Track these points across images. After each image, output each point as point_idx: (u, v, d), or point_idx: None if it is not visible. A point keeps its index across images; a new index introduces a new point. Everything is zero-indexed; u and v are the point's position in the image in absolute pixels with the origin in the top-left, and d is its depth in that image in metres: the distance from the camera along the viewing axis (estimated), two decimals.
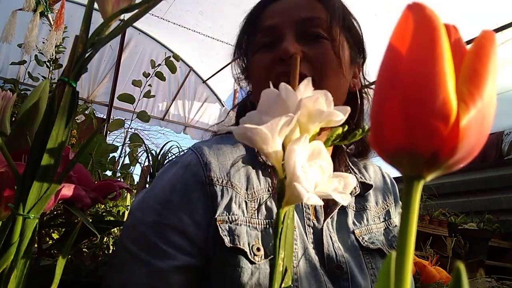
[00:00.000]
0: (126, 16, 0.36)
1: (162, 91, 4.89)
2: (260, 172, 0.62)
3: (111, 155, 1.72)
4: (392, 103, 0.18)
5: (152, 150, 1.76)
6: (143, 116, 2.40)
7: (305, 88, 0.29)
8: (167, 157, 1.74)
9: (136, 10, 0.35)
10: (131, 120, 2.66)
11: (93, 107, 3.34)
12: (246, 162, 0.62)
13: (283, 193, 0.27)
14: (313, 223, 0.63)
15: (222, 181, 0.58)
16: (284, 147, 0.28)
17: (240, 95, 0.84)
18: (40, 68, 2.72)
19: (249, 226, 0.57)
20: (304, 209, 0.63)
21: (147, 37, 4.59)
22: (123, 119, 2.52)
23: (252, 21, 0.71)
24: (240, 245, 0.54)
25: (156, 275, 0.54)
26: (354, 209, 0.69)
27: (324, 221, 0.64)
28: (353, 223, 0.67)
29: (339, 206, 0.66)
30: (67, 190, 0.46)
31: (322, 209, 0.65)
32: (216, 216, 0.56)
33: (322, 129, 0.31)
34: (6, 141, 0.46)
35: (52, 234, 0.92)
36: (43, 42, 2.44)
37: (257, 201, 0.59)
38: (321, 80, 0.62)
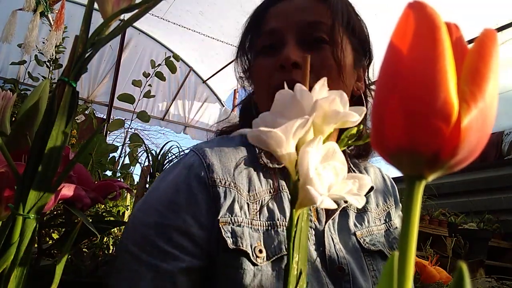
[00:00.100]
0: (126, 16, 0.36)
1: (162, 91, 4.89)
2: (261, 174, 0.62)
3: (111, 155, 1.72)
4: (393, 102, 0.18)
5: (152, 150, 1.76)
6: (143, 116, 2.40)
7: (321, 88, 0.28)
8: (167, 157, 1.74)
9: (136, 10, 0.35)
10: (131, 120, 2.66)
11: (93, 107, 3.34)
12: (247, 164, 0.62)
13: (296, 196, 0.27)
14: (315, 224, 0.63)
15: (225, 182, 0.58)
16: (297, 148, 0.27)
17: (240, 95, 0.84)
18: (40, 68, 2.72)
19: (251, 227, 0.56)
20: None
21: (147, 37, 4.59)
22: (123, 119, 2.52)
23: (255, 22, 0.70)
24: (242, 246, 0.54)
25: (161, 277, 0.53)
26: (355, 211, 0.69)
27: (326, 222, 0.64)
28: (354, 224, 0.67)
29: (341, 208, 0.66)
30: (67, 190, 0.46)
31: (324, 210, 0.65)
32: (218, 218, 0.55)
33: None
34: (6, 141, 0.46)
35: (52, 234, 0.92)
36: (43, 42, 2.44)
37: (259, 202, 0.59)
38: None
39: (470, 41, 0.16)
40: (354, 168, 0.73)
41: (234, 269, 0.54)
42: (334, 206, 0.25)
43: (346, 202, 0.67)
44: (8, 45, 2.74)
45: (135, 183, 1.61)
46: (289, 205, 0.61)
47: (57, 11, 2.48)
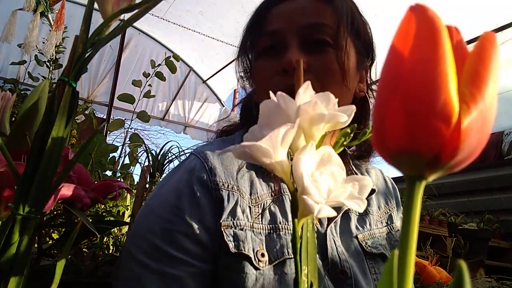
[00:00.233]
0: (126, 16, 0.36)
1: (162, 91, 4.89)
2: (262, 177, 0.62)
3: (111, 155, 1.73)
4: (394, 104, 0.18)
5: (152, 150, 1.77)
6: (143, 116, 2.40)
7: (304, 92, 0.27)
8: (167, 157, 1.74)
9: (136, 10, 0.35)
10: (131, 120, 2.66)
11: (93, 107, 3.34)
12: (249, 167, 0.62)
13: (296, 206, 0.26)
14: (316, 227, 0.62)
15: (228, 185, 0.57)
16: (292, 155, 0.26)
17: (240, 95, 0.83)
18: (40, 68, 2.72)
19: (253, 231, 0.56)
20: None
21: (147, 37, 4.59)
22: (123, 119, 2.52)
23: (256, 22, 0.69)
24: (245, 250, 0.54)
25: (171, 284, 0.52)
26: (357, 214, 0.68)
27: (328, 225, 0.63)
28: (356, 227, 0.66)
29: (343, 211, 0.66)
30: (67, 190, 0.46)
31: None
32: (221, 221, 0.55)
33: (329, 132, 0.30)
34: (6, 141, 0.46)
35: (52, 234, 0.92)
36: (43, 42, 2.44)
37: (260, 206, 0.59)
38: (322, 91, 0.61)
39: (471, 41, 0.16)
40: (355, 170, 0.72)
41: (236, 273, 0.53)
42: (334, 213, 0.24)
43: None
44: (8, 45, 2.74)
45: (135, 183, 1.61)
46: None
47: (57, 11, 2.48)
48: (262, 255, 0.54)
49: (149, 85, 2.40)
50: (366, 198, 0.26)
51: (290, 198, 0.61)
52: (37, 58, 2.57)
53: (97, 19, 0.35)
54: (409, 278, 0.18)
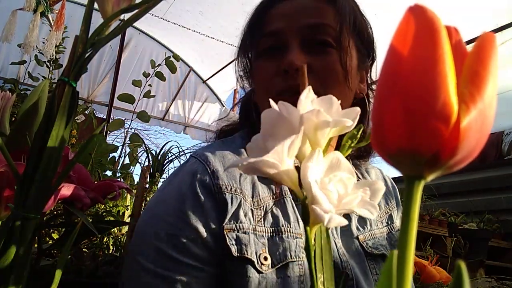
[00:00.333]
0: (126, 16, 0.36)
1: (162, 91, 4.89)
2: (264, 180, 0.61)
3: (111, 155, 1.73)
4: (393, 104, 0.18)
5: (152, 150, 1.77)
6: (143, 116, 2.40)
7: (306, 98, 0.27)
8: (167, 157, 1.74)
9: (136, 10, 0.35)
10: (131, 120, 2.67)
11: (93, 107, 3.34)
12: None
13: (308, 214, 0.26)
14: None
15: (231, 188, 0.57)
16: (300, 162, 0.26)
17: (240, 95, 0.82)
18: (40, 68, 2.72)
19: (255, 234, 0.55)
20: None
21: (147, 37, 4.59)
22: (123, 119, 2.52)
23: (257, 22, 0.68)
24: (247, 254, 0.53)
25: None
26: (357, 214, 0.68)
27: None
28: (357, 228, 0.66)
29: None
30: (67, 190, 0.46)
31: None
32: (223, 224, 0.54)
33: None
34: (6, 141, 0.46)
35: (52, 234, 0.92)
36: (43, 42, 2.44)
37: (262, 208, 0.58)
38: (325, 93, 0.60)
39: (470, 41, 0.17)
40: (356, 171, 0.72)
41: (239, 277, 0.53)
42: (345, 222, 0.23)
43: None
44: (8, 45, 2.75)
45: (135, 183, 1.61)
46: (293, 211, 0.60)
47: (57, 11, 2.48)
48: (265, 258, 0.54)
49: (149, 85, 2.40)
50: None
51: (292, 200, 0.61)
52: (37, 58, 2.56)
53: (97, 19, 0.35)
54: (408, 278, 0.18)
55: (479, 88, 0.17)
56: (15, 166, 0.34)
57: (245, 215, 0.56)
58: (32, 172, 0.32)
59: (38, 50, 2.53)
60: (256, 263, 0.53)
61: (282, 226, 0.57)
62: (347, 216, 0.66)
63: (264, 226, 0.57)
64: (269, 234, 0.56)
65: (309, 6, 0.63)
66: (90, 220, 0.53)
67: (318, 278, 0.26)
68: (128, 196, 1.25)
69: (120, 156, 1.96)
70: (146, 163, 1.75)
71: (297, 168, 0.26)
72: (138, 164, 1.87)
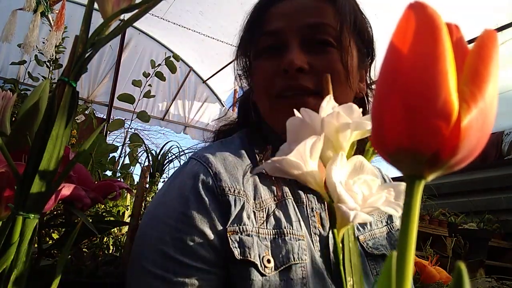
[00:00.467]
0: (126, 16, 0.36)
1: (162, 91, 4.89)
2: (264, 182, 0.61)
3: (111, 155, 1.73)
4: (393, 102, 0.18)
5: (152, 150, 1.76)
6: (143, 116, 2.40)
7: (327, 105, 0.28)
8: (167, 157, 1.74)
9: (136, 10, 0.35)
10: (131, 120, 2.66)
11: (93, 107, 3.34)
12: (251, 171, 0.61)
13: (334, 216, 0.26)
14: (319, 231, 0.61)
15: (234, 190, 0.56)
16: (324, 166, 0.27)
17: (240, 95, 0.82)
18: (40, 68, 2.72)
19: (258, 236, 0.55)
20: (309, 217, 0.62)
21: (147, 37, 4.59)
22: (123, 119, 2.52)
23: (256, 20, 0.67)
24: (250, 257, 0.52)
25: None
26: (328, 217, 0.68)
27: (330, 228, 0.62)
28: (357, 228, 0.66)
29: None
30: (67, 190, 0.46)
31: (327, 216, 0.64)
32: (226, 227, 0.54)
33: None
34: (6, 141, 0.46)
35: (52, 234, 0.92)
36: (43, 42, 2.44)
37: (265, 210, 0.58)
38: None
39: (470, 41, 0.16)
40: None
41: (242, 280, 0.52)
42: (370, 219, 0.25)
43: None
44: (8, 45, 2.75)
45: (135, 183, 1.61)
46: (294, 213, 0.60)
47: (57, 11, 2.48)
48: (268, 261, 0.53)
49: (149, 85, 2.40)
50: None
51: (293, 202, 0.61)
52: (37, 58, 2.56)
53: (97, 19, 0.35)
54: (408, 279, 0.18)
55: (480, 86, 0.17)
56: (15, 166, 0.34)
57: (248, 217, 0.55)
58: (32, 172, 0.32)
59: (38, 50, 2.53)
60: (259, 266, 0.53)
61: (285, 228, 0.57)
62: None
63: (267, 228, 0.56)
64: (272, 237, 0.56)
65: (309, 6, 0.63)
66: (90, 220, 0.53)
67: (347, 281, 0.27)
68: (128, 196, 1.25)
69: (120, 156, 1.96)
70: (146, 163, 1.75)
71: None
72: (138, 164, 1.87)
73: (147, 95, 2.39)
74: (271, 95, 0.62)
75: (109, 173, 1.67)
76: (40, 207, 0.33)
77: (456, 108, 0.17)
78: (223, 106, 5.41)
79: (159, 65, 2.42)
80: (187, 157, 0.66)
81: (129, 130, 2.54)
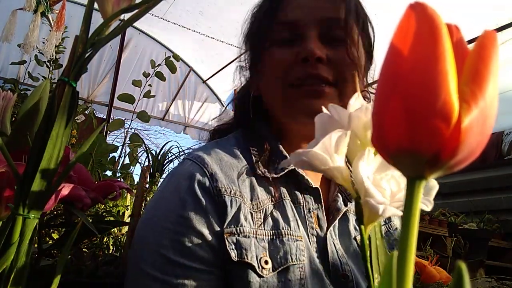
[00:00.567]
0: (126, 16, 0.36)
1: (162, 91, 4.89)
2: (261, 183, 0.61)
3: (111, 155, 1.73)
4: (393, 103, 0.18)
5: (152, 150, 1.77)
6: (143, 116, 2.40)
7: (355, 101, 0.28)
8: (167, 157, 1.74)
9: (136, 10, 0.35)
10: (131, 120, 2.66)
11: (93, 107, 3.34)
12: (249, 173, 0.60)
13: (362, 213, 0.26)
14: (316, 231, 0.61)
15: (230, 191, 0.56)
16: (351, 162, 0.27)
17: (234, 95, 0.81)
18: (40, 68, 2.72)
19: (256, 238, 0.55)
20: (306, 217, 0.62)
21: (147, 37, 4.59)
22: (123, 119, 2.52)
23: (270, 9, 0.66)
24: (247, 259, 0.52)
25: None
26: (355, 214, 0.68)
27: (327, 228, 0.62)
28: (355, 228, 0.65)
29: (341, 213, 0.64)
30: (67, 190, 0.46)
31: (325, 216, 0.64)
32: (223, 228, 0.54)
33: None
34: (6, 141, 0.46)
35: (52, 234, 0.92)
36: (43, 42, 2.44)
37: (262, 211, 0.57)
38: (342, 85, 0.61)
39: (470, 41, 0.16)
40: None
41: (239, 281, 0.52)
42: (399, 213, 0.24)
43: (346, 206, 0.65)
44: (8, 45, 2.75)
45: (135, 183, 1.61)
46: (292, 213, 0.60)
47: (57, 12, 2.48)
48: (266, 262, 0.53)
49: (149, 85, 2.40)
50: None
51: (291, 203, 0.61)
52: (37, 58, 2.56)
53: (97, 19, 0.35)
54: (409, 279, 0.18)
55: (480, 86, 0.17)
56: (15, 166, 0.34)
57: (245, 219, 0.55)
58: (32, 172, 0.32)
59: (38, 50, 2.52)
60: (256, 267, 0.52)
61: (283, 229, 0.57)
62: (345, 217, 0.66)
63: (265, 229, 0.56)
64: (270, 238, 0.56)
65: (327, 1, 0.64)
66: (90, 220, 0.53)
67: (375, 278, 0.26)
68: (128, 196, 1.25)
69: (120, 156, 1.96)
70: (146, 163, 1.75)
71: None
72: (138, 164, 1.87)
73: (147, 95, 2.39)
74: (286, 83, 0.62)
75: (109, 173, 1.68)
76: (40, 207, 0.33)
77: (457, 109, 0.17)
78: (223, 106, 5.41)
79: (159, 65, 2.42)
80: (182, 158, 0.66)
81: (129, 130, 2.54)
